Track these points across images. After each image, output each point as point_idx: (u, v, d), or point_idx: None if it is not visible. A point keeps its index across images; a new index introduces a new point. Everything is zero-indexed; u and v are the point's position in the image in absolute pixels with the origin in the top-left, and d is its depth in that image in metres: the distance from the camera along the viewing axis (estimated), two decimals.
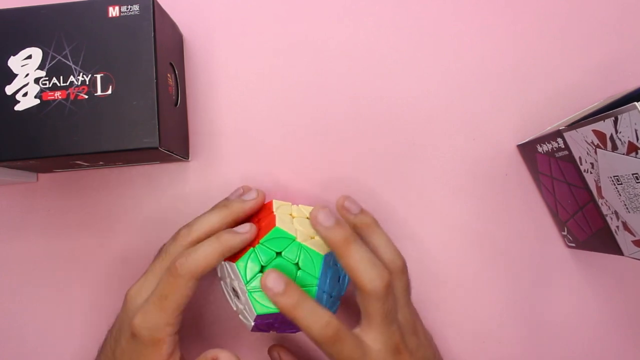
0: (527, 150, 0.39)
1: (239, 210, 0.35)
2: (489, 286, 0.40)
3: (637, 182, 0.27)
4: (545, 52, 0.41)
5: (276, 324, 0.33)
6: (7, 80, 0.33)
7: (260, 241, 0.32)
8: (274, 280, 0.30)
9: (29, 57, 0.33)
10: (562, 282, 0.40)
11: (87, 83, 0.33)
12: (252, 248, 0.32)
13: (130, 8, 0.33)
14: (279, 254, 0.32)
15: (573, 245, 0.38)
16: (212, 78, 0.41)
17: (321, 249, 0.33)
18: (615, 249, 0.32)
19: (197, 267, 0.31)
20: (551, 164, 0.36)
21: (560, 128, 0.32)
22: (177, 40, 0.39)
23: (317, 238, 0.34)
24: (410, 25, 0.41)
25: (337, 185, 0.40)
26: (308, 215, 0.34)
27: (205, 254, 0.31)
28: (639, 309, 0.39)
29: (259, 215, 0.35)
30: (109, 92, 0.33)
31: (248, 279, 0.31)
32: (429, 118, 0.40)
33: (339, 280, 0.34)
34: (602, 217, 0.32)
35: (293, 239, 0.32)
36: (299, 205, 0.36)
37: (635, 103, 0.25)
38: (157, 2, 0.34)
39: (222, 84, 0.41)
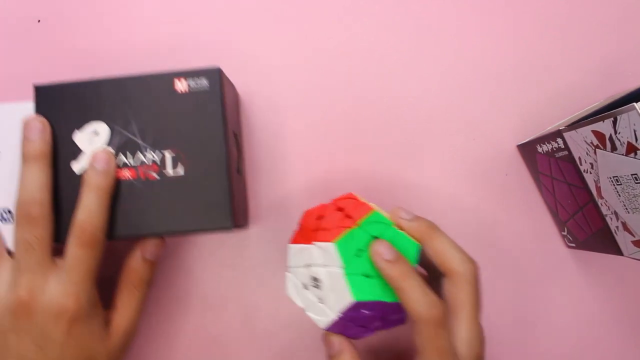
0: (527, 150, 0.39)
1: (112, 184, 0.31)
2: (489, 286, 0.40)
3: (637, 183, 0.27)
4: (545, 52, 0.41)
5: (357, 322, 0.31)
6: (74, 157, 0.31)
7: (359, 223, 0.31)
8: (385, 247, 0.29)
9: (95, 132, 0.32)
10: (562, 282, 0.40)
11: (157, 161, 0.32)
12: (350, 229, 0.30)
13: (198, 82, 0.32)
14: (375, 238, 0.31)
15: (573, 245, 0.38)
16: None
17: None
18: (615, 249, 0.32)
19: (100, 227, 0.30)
20: (551, 164, 0.36)
21: (560, 128, 0.32)
22: (237, 103, 0.38)
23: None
24: (410, 25, 0.41)
25: (336, 185, 0.40)
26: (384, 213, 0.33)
27: (100, 211, 0.30)
28: (639, 309, 0.40)
29: (341, 204, 0.33)
30: (180, 170, 0.31)
31: (346, 261, 0.30)
32: (429, 118, 0.40)
33: None
34: (602, 217, 0.32)
35: (390, 225, 0.31)
36: (372, 203, 0.35)
37: (634, 104, 0.25)
38: (223, 72, 0.33)
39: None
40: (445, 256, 0.30)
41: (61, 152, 0.32)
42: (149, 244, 0.33)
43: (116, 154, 0.32)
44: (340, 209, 0.32)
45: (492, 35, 0.41)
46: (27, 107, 0.32)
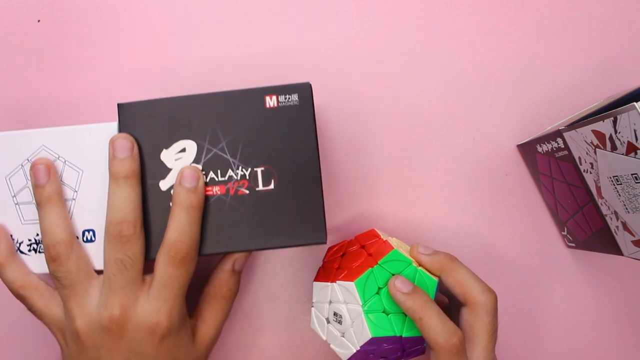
0: (527, 150, 0.39)
1: (201, 202, 0.31)
2: None
3: (637, 183, 0.27)
4: (544, 53, 0.41)
5: (378, 354, 0.32)
6: (161, 175, 0.31)
7: (379, 262, 0.32)
8: (402, 282, 0.31)
9: (183, 150, 0.31)
10: (562, 282, 0.40)
11: (247, 177, 0.31)
12: (370, 268, 0.32)
13: (289, 98, 0.31)
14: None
15: (573, 245, 0.38)
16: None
17: (433, 276, 0.33)
18: (615, 249, 0.32)
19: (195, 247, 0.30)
20: (551, 164, 0.36)
21: (560, 128, 0.32)
22: None
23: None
24: (409, 25, 0.41)
25: (336, 186, 0.40)
26: (404, 248, 0.34)
27: (192, 229, 0.30)
28: (639, 309, 0.40)
29: (363, 241, 0.35)
30: (271, 186, 0.31)
31: (366, 299, 0.31)
32: (429, 118, 0.41)
33: None
34: (602, 217, 0.32)
35: (409, 263, 0.32)
36: (393, 238, 0.36)
37: (634, 103, 0.25)
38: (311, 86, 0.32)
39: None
40: (465, 286, 0.32)
41: (148, 170, 0.31)
42: (238, 256, 0.33)
43: (205, 171, 0.31)
44: (362, 247, 0.34)
45: (492, 35, 0.41)
46: (111, 127, 0.32)
